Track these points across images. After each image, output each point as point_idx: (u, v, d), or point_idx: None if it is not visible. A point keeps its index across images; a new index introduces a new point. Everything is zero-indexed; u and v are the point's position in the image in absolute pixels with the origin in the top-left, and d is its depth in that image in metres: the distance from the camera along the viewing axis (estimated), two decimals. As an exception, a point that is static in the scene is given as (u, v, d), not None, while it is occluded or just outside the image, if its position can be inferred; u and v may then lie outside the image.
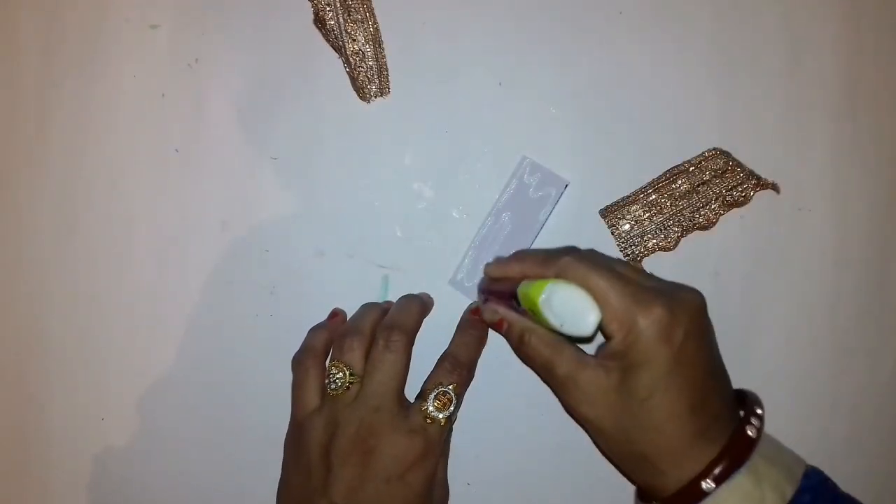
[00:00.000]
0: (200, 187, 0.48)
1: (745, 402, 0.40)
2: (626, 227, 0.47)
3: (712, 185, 0.47)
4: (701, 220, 0.47)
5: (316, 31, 0.48)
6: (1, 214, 0.49)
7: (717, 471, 0.37)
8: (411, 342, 0.43)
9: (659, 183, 0.47)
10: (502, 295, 0.43)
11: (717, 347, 0.40)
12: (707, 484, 0.37)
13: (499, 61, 0.48)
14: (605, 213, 0.47)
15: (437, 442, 0.41)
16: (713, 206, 0.47)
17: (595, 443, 0.42)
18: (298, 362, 0.44)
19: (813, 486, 0.38)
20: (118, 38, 0.48)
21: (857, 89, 0.48)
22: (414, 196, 0.48)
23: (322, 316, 0.47)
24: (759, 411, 0.39)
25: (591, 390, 0.39)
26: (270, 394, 0.47)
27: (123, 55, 0.48)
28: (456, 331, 0.45)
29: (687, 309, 0.38)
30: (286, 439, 0.44)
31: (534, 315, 0.39)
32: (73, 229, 0.48)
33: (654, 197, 0.47)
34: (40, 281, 0.49)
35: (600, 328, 0.38)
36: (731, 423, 0.38)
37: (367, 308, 0.46)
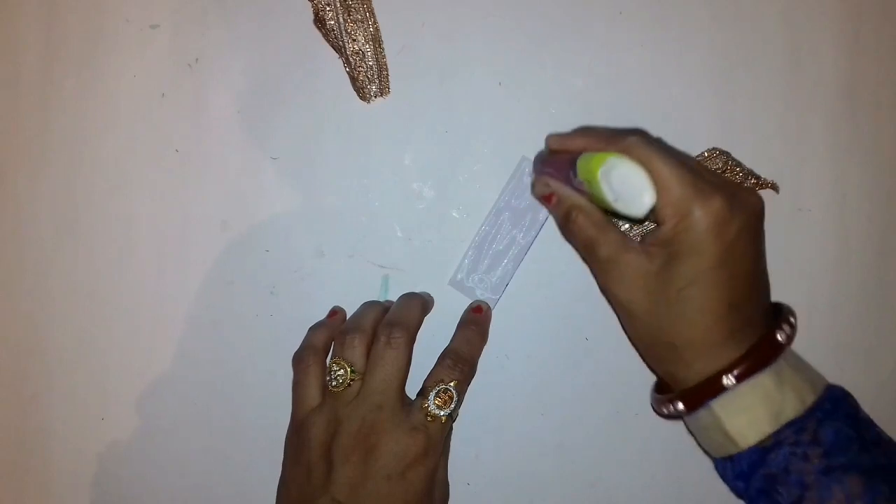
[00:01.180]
0: (201, 187, 0.48)
1: (781, 311, 0.40)
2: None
3: None
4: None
5: (316, 31, 0.48)
6: (1, 214, 0.49)
7: (740, 368, 0.37)
8: (412, 339, 0.43)
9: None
10: (559, 168, 0.42)
11: (764, 255, 0.40)
12: (728, 379, 0.37)
13: (499, 61, 0.48)
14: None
15: (439, 439, 0.41)
16: None
17: (624, 328, 0.42)
18: (299, 360, 0.44)
19: (835, 397, 0.38)
20: (118, 37, 0.48)
21: (857, 89, 0.48)
22: (414, 196, 0.48)
23: (322, 316, 0.47)
24: (791, 320, 0.39)
25: (630, 273, 0.39)
26: (271, 394, 0.47)
27: (123, 55, 0.48)
28: (457, 328, 0.45)
29: (745, 208, 0.38)
30: (287, 437, 0.44)
31: (589, 187, 0.38)
32: (73, 229, 0.48)
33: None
34: (41, 281, 0.49)
35: (653, 212, 0.37)
36: (762, 329, 0.39)
37: (367, 306, 0.46)
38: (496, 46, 0.48)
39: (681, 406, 0.39)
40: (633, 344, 0.43)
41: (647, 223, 0.45)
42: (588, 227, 0.41)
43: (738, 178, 0.47)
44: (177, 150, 0.48)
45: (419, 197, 0.48)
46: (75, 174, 0.48)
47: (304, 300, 0.48)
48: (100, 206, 0.48)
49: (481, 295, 0.47)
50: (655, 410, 0.43)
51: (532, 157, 0.47)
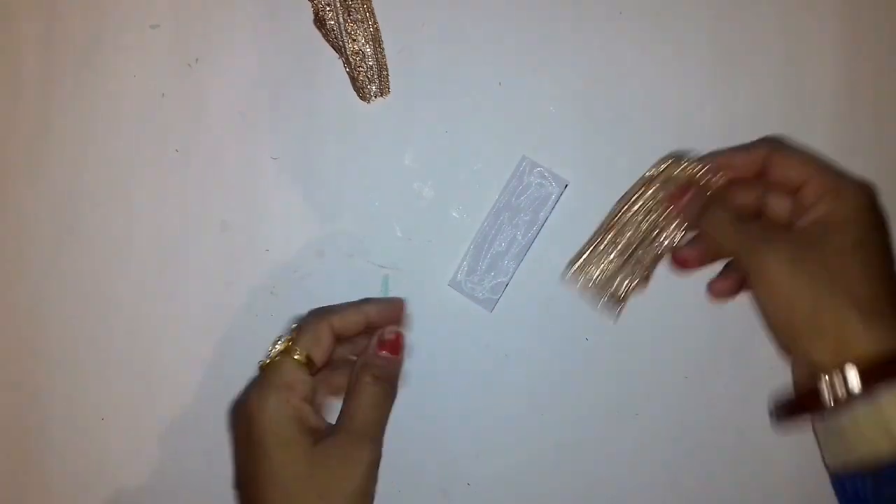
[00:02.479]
0: (201, 187, 0.48)
1: None
2: (593, 275, 0.46)
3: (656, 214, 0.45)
4: (661, 248, 0.45)
5: (316, 31, 0.48)
6: (2, 214, 0.49)
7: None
8: (322, 329, 0.41)
9: (610, 224, 0.46)
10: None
11: None
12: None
13: (499, 61, 0.48)
14: (569, 277, 0.46)
15: (274, 377, 0.40)
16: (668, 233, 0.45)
17: (771, 319, 0.39)
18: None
19: None
20: (118, 37, 0.48)
21: (857, 90, 0.48)
22: (414, 196, 0.48)
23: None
24: None
25: (780, 244, 0.39)
26: (271, 394, 0.47)
27: (124, 55, 0.48)
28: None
29: (875, 191, 0.40)
30: None
31: None
32: (73, 229, 0.48)
33: (608, 240, 0.46)
34: (41, 281, 0.49)
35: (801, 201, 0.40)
36: None
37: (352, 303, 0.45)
38: (496, 46, 0.48)
39: (853, 381, 0.34)
40: (781, 336, 0.39)
41: None
42: (727, 224, 0.42)
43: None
44: (177, 150, 0.48)
45: (419, 197, 0.48)
46: (75, 174, 0.48)
47: (304, 300, 0.48)
48: (100, 206, 0.48)
49: (481, 295, 0.47)
50: (781, 411, 0.39)
51: (533, 157, 0.47)
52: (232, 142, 0.48)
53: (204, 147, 0.48)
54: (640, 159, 0.47)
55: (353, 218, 0.48)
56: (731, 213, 0.42)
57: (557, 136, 0.48)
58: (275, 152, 0.48)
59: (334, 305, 0.44)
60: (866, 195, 0.39)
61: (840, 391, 0.34)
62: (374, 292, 0.48)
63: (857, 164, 0.48)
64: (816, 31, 0.48)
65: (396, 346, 0.42)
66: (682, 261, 0.43)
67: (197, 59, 0.48)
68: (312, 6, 0.47)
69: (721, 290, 0.44)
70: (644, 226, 0.45)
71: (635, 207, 0.45)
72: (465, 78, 0.48)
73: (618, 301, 0.46)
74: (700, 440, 0.47)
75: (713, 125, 0.47)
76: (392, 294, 0.48)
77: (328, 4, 0.47)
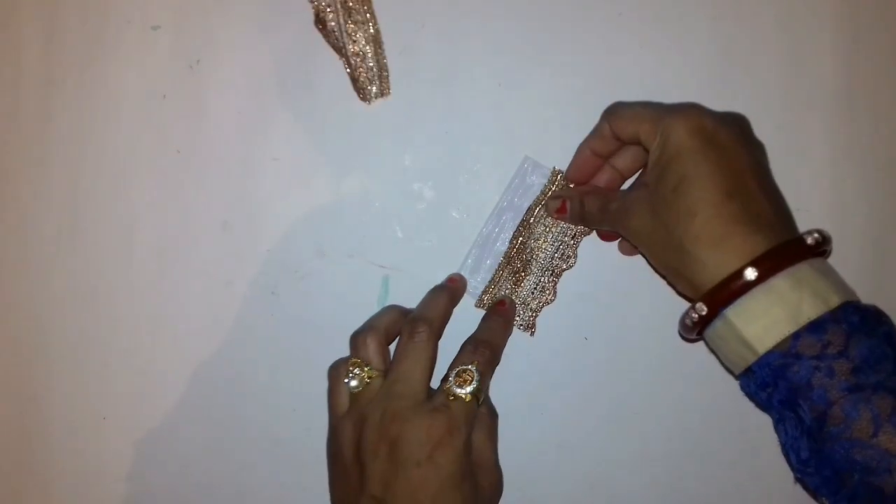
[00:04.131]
0: (202, 188, 0.48)
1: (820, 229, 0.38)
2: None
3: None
4: (564, 263, 0.47)
5: (317, 32, 0.48)
6: (2, 215, 0.49)
7: (757, 267, 0.36)
8: (436, 333, 0.43)
9: (511, 253, 0.47)
10: None
11: (766, 165, 0.40)
12: (749, 274, 0.36)
13: (499, 62, 0.48)
14: (481, 304, 0.47)
15: (462, 418, 0.40)
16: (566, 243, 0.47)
17: (646, 258, 0.43)
18: (333, 368, 0.44)
19: (869, 312, 0.36)
20: (119, 39, 0.49)
21: (856, 89, 0.48)
22: (414, 196, 0.48)
23: (323, 316, 0.47)
24: (825, 233, 0.38)
25: (636, 204, 0.41)
26: (271, 393, 0.47)
27: (125, 56, 0.49)
28: (481, 320, 0.46)
29: (723, 115, 0.40)
30: (326, 447, 0.44)
31: None
32: (74, 229, 0.49)
33: (510, 267, 0.47)
34: (42, 281, 0.49)
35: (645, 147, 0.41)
36: (783, 231, 0.37)
37: (385, 307, 0.46)
38: (496, 47, 0.48)
39: (704, 310, 0.37)
40: (656, 271, 0.43)
41: None
42: (596, 200, 0.44)
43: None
44: (178, 151, 0.48)
45: (419, 197, 0.48)
46: (77, 175, 0.49)
47: (305, 300, 0.48)
48: (101, 207, 0.49)
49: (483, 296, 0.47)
50: (682, 334, 0.41)
51: (534, 157, 0.47)
52: (233, 142, 0.48)
53: (205, 147, 0.48)
54: (639, 159, 0.47)
55: (353, 218, 0.48)
56: (601, 199, 0.44)
57: (557, 137, 0.48)
58: (275, 153, 0.48)
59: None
60: (686, 127, 0.38)
61: (696, 317, 0.38)
62: (374, 292, 0.48)
63: (855, 165, 0.48)
64: (816, 31, 0.48)
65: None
66: (604, 236, 0.47)
67: (198, 60, 0.49)
68: (313, 7, 0.48)
69: (624, 248, 0.47)
70: (544, 245, 0.47)
71: (535, 231, 0.47)
72: (465, 78, 0.48)
73: (531, 320, 0.47)
74: (700, 440, 0.47)
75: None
76: (392, 294, 0.48)
77: (329, 6, 0.47)
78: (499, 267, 0.47)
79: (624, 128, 0.42)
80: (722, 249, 0.37)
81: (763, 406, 0.39)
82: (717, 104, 0.47)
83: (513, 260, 0.47)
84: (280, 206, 0.48)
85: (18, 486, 0.49)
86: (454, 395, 0.40)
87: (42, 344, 0.49)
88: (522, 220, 0.47)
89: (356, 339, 0.43)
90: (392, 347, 0.44)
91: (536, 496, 0.48)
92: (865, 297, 0.48)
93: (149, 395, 0.48)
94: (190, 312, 0.48)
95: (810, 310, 0.35)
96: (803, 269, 0.36)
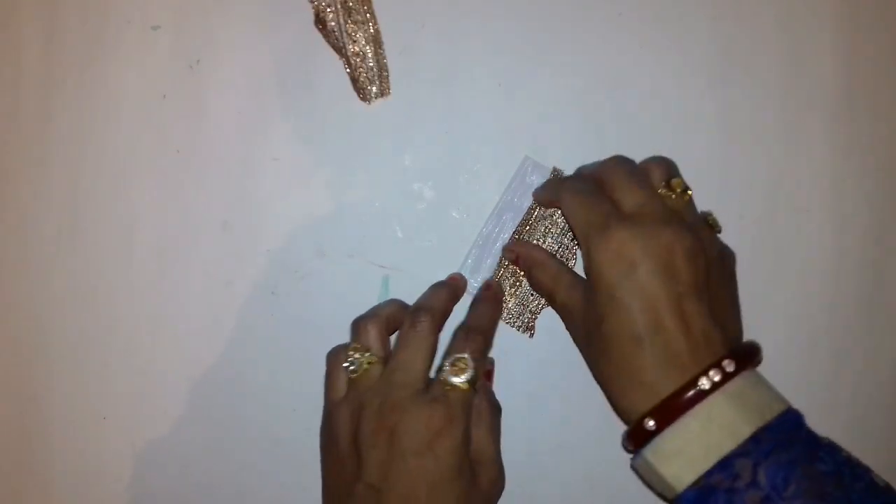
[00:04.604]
0: (202, 188, 0.48)
1: (738, 351, 0.38)
2: (510, 303, 0.47)
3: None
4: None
5: (317, 32, 0.48)
6: (2, 215, 0.49)
7: (660, 413, 0.37)
8: (438, 324, 0.43)
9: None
10: None
11: (690, 292, 0.38)
12: (648, 424, 0.37)
13: (499, 62, 0.48)
14: None
15: (460, 408, 0.40)
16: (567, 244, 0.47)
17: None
18: (332, 353, 0.44)
19: (783, 426, 0.37)
20: (119, 39, 0.48)
21: (856, 90, 0.48)
22: (414, 196, 0.48)
23: (323, 316, 0.47)
24: (725, 364, 0.37)
25: (574, 312, 0.42)
26: (271, 393, 0.47)
27: (125, 56, 0.48)
28: (468, 308, 0.46)
29: (651, 241, 0.38)
30: (320, 432, 0.44)
31: None
32: (74, 229, 0.48)
33: (510, 267, 0.47)
34: (42, 281, 0.49)
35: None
36: (697, 369, 0.37)
37: (388, 300, 0.46)
38: (496, 47, 0.48)
39: (629, 445, 0.39)
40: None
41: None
42: (545, 280, 0.44)
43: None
44: (178, 151, 0.48)
45: (419, 197, 0.48)
46: (77, 175, 0.49)
47: (305, 300, 0.48)
48: (101, 207, 0.49)
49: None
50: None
51: (534, 157, 0.47)
52: (233, 142, 0.48)
53: (205, 147, 0.48)
54: (640, 159, 0.47)
55: (353, 218, 0.48)
56: (549, 282, 0.44)
57: (557, 137, 0.48)
58: (275, 153, 0.48)
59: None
60: (608, 256, 0.38)
61: (627, 444, 0.40)
62: (374, 292, 0.48)
63: (855, 165, 0.48)
64: (816, 31, 0.48)
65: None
66: None
67: (198, 60, 0.48)
68: (313, 7, 0.48)
69: None
70: (544, 246, 0.47)
71: (535, 231, 0.47)
72: (465, 78, 0.48)
73: (530, 322, 0.48)
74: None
75: (713, 125, 0.48)
76: (392, 294, 0.48)
77: (329, 5, 0.47)
78: (498, 267, 0.47)
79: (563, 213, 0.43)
80: (629, 398, 0.38)
81: None
82: (717, 105, 0.48)
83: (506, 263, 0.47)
84: (280, 206, 0.48)
85: (18, 486, 0.49)
86: (451, 384, 0.40)
87: (42, 344, 0.49)
88: (522, 219, 0.47)
89: (357, 324, 0.43)
90: (393, 340, 0.44)
91: (536, 496, 0.48)
92: (865, 296, 0.48)
93: (149, 395, 0.48)
94: (190, 312, 0.48)
95: (719, 447, 0.36)
96: (716, 402, 0.36)
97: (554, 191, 0.44)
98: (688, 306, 0.38)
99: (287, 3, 0.48)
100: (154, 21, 0.48)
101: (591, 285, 0.39)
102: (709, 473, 0.36)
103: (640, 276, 0.37)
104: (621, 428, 0.47)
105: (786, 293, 0.48)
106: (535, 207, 0.47)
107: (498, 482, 0.43)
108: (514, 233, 0.47)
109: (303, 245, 0.48)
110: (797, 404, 0.43)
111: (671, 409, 0.37)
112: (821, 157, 0.48)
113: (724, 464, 0.36)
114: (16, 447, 0.49)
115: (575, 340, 0.43)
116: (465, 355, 0.41)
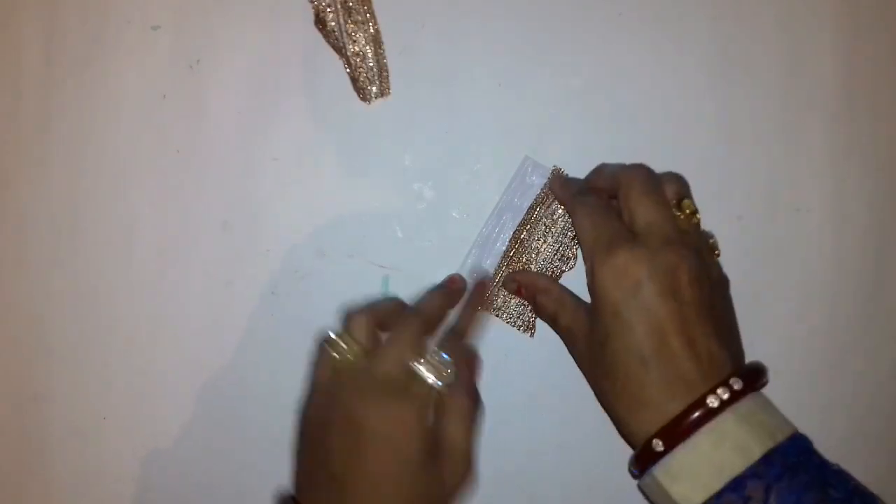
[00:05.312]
0: (202, 188, 0.48)
1: (742, 370, 0.38)
2: (511, 303, 0.47)
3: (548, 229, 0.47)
4: (564, 264, 0.47)
5: (317, 32, 0.48)
6: (2, 215, 0.49)
7: (669, 433, 0.37)
8: (426, 325, 0.43)
9: (510, 253, 0.47)
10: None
11: (692, 312, 0.38)
12: (657, 444, 0.37)
13: (499, 62, 0.48)
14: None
15: (424, 401, 0.40)
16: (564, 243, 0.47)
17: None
18: (320, 339, 0.44)
19: (793, 450, 0.36)
20: (119, 39, 0.48)
21: (856, 90, 0.48)
22: (414, 196, 0.48)
23: (323, 316, 0.47)
24: (733, 382, 0.37)
25: (578, 336, 0.42)
26: (271, 393, 0.47)
27: (125, 56, 0.48)
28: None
29: (655, 262, 0.38)
30: (297, 416, 0.44)
31: None
32: (74, 229, 0.48)
33: (510, 268, 0.47)
34: (42, 281, 0.49)
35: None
36: (703, 388, 0.37)
37: (388, 297, 0.46)
38: (496, 47, 0.48)
39: (636, 470, 0.39)
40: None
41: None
42: (549, 303, 0.44)
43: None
44: (178, 151, 0.48)
45: (419, 197, 0.48)
46: (77, 175, 0.49)
47: (305, 300, 0.48)
48: (101, 207, 0.49)
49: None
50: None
51: (534, 157, 0.47)
52: (233, 142, 0.48)
53: (205, 147, 0.48)
54: (639, 159, 0.47)
55: (353, 218, 0.48)
56: (553, 307, 0.44)
57: (557, 137, 0.48)
58: (275, 153, 0.48)
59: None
60: (613, 276, 0.38)
61: (634, 471, 0.39)
62: (374, 292, 0.48)
63: (855, 165, 0.48)
64: (816, 31, 0.48)
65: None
66: None
67: (198, 60, 0.48)
68: (313, 7, 0.48)
69: None
70: (544, 246, 0.47)
71: (535, 231, 0.47)
72: (465, 78, 0.48)
73: (531, 321, 0.47)
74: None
75: (712, 126, 0.48)
76: (392, 294, 0.48)
77: (329, 6, 0.47)
78: (499, 267, 0.47)
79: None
80: (635, 418, 0.38)
81: None
82: (717, 105, 0.48)
83: (513, 260, 0.47)
84: (280, 206, 0.48)
85: (18, 486, 0.49)
86: (422, 380, 0.41)
87: (42, 344, 0.49)
88: (522, 220, 0.47)
89: (348, 314, 0.43)
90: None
91: (536, 496, 0.48)
92: (866, 296, 0.48)
93: (149, 395, 0.48)
94: (190, 312, 0.48)
95: (731, 467, 0.35)
96: (727, 421, 0.36)
97: (569, 200, 0.44)
98: (693, 327, 0.38)
99: (287, 3, 0.48)
100: (154, 21, 0.48)
101: (594, 306, 0.40)
102: (719, 494, 0.35)
103: (645, 296, 0.38)
104: (621, 428, 0.47)
105: (785, 293, 0.48)
106: (536, 207, 0.47)
107: (466, 476, 0.42)
108: (514, 233, 0.47)
109: (303, 245, 0.48)
110: (797, 404, 0.44)
111: (679, 428, 0.36)
112: (821, 157, 0.48)
113: (736, 485, 0.35)
114: (16, 447, 0.49)
115: (579, 364, 0.43)
116: (438, 352, 0.41)
